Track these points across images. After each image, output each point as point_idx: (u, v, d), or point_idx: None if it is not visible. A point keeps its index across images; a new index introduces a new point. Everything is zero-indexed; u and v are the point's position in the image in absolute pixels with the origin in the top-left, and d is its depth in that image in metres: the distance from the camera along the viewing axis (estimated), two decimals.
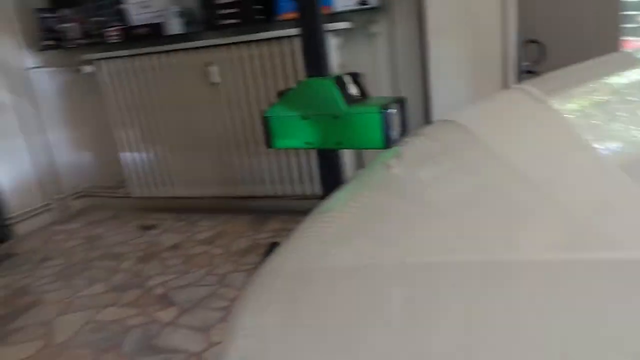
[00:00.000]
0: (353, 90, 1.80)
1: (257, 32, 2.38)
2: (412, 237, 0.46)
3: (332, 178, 1.90)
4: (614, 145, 0.51)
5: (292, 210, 2.73)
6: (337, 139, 1.71)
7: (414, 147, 0.71)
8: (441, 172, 0.59)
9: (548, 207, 0.42)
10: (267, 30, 2.38)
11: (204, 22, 2.49)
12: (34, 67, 2.95)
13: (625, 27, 2.47)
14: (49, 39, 2.81)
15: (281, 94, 1.85)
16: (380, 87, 2.35)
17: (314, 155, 2.44)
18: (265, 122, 1.82)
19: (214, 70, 2.53)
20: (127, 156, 2.92)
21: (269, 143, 1.84)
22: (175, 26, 2.44)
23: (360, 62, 2.35)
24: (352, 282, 0.44)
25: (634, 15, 2.58)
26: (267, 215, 2.74)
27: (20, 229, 2.83)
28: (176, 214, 2.95)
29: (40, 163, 2.98)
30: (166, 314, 1.81)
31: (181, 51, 2.55)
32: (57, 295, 2.06)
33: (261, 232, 2.53)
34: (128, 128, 2.84)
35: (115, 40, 2.60)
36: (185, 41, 2.53)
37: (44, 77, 3.00)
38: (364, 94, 1.87)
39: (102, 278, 2.18)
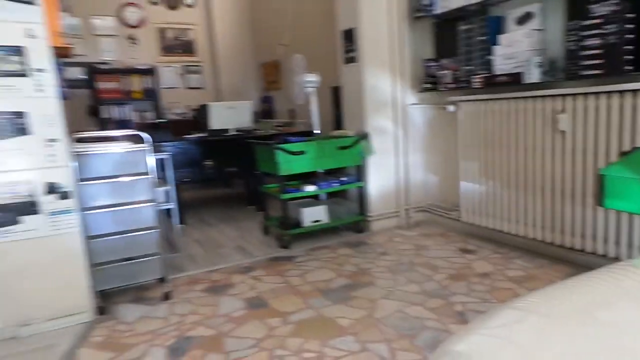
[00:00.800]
0: None
1: (620, 83, 2.28)
2: None
3: None
4: None
5: None
6: None
7: None
8: None
9: None
10: (635, 82, 2.24)
11: (563, 71, 2.56)
12: (412, 104, 3.75)
13: None
14: (428, 83, 3.52)
15: (624, 154, 1.78)
16: None
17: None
18: (600, 179, 1.80)
19: (564, 118, 2.56)
20: (465, 185, 3.31)
21: (599, 201, 1.81)
22: (533, 75, 2.63)
23: None
24: None
25: None
26: (584, 271, 2.54)
27: (374, 226, 3.70)
28: (495, 245, 3.14)
29: (399, 178, 3.77)
30: (458, 328, 2.07)
31: (534, 98, 2.71)
32: (384, 282, 2.66)
33: None
34: (471, 161, 3.22)
35: (477, 86, 3.02)
36: (539, 89, 2.68)
37: (417, 112, 3.77)
38: None
39: (418, 281, 2.64)
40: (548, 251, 2.85)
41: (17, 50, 2.05)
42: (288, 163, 3.26)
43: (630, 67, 2.22)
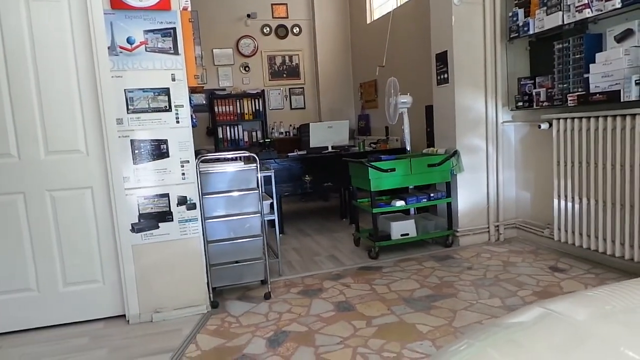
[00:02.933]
0: None
1: None
2: None
3: None
4: None
5: None
6: None
7: None
8: None
9: None
10: None
11: None
12: (505, 122, 3.78)
13: None
14: (522, 101, 3.54)
15: None
16: None
17: None
18: None
19: None
20: (558, 202, 3.27)
21: None
22: (631, 93, 2.58)
23: None
24: None
25: None
26: None
27: (462, 241, 3.78)
28: (589, 265, 3.06)
29: (490, 194, 3.81)
30: None
31: (631, 116, 2.65)
32: (467, 295, 2.77)
33: None
34: (566, 178, 3.18)
35: (572, 104, 3.00)
36: (637, 107, 2.62)
37: (510, 130, 3.79)
38: None
39: (501, 296, 2.71)
40: None
41: (164, 91, 2.62)
42: (378, 179, 3.52)
43: None
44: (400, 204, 3.66)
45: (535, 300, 2.60)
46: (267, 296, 2.95)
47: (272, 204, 3.27)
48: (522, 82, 3.53)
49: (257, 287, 3.14)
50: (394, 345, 2.22)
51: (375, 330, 2.40)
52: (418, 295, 2.83)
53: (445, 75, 3.73)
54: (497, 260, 3.36)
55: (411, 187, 3.84)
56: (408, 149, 3.95)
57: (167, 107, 2.64)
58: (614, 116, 2.75)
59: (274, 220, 3.34)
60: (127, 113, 2.58)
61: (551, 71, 3.21)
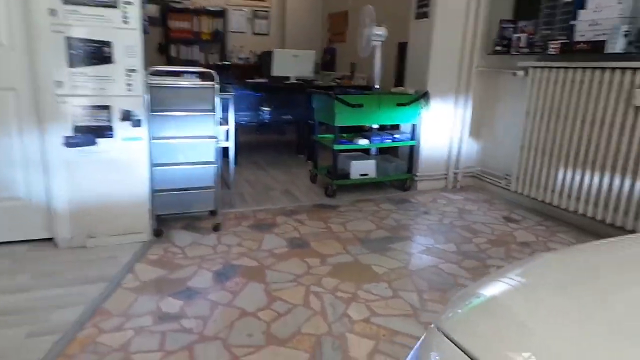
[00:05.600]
0: None
1: None
2: None
3: None
4: None
5: None
6: None
7: None
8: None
9: None
10: None
11: None
12: (480, 67, 3.62)
13: None
14: (500, 45, 3.37)
15: None
16: None
17: None
18: None
19: None
20: (521, 154, 3.24)
21: None
22: (618, 45, 2.48)
23: None
24: None
25: None
26: None
27: (420, 185, 3.73)
28: (541, 218, 3.10)
29: (453, 141, 3.73)
30: None
31: (612, 70, 2.56)
32: (423, 239, 2.73)
33: None
34: (533, 130, 3.13)
35: (553, 52, 2.88)
36: (621, 60, 2.53)
37: (483, 76, 3.64)
38: None
39: (457, 242, 2.69)
40: (595, 228, 2.79)
41: None
42: (345, 114, 3.32)
43: None
44: (364, 142, 3.51)
45: (489, 248, 2.64)
46: (217, 228, 2.77)
47: (227, 131, 3.00)
48: (503, 25, 3.36)
49: (206, 218, 2.94)
50: (348, 286, 2.14)
51: (330, 269, 2.30)
52: (374, 236, 2.75)
53: (426, 9, 3.48)
54: (453, 207, 3.34)
55: (375, 126, 3.68)
56: (377, 86, 3.74)
57: (114, 3, 2.23)
58: (594, 68, 2.66)
59: (227, 148, 3.09)
60: (63, 4, 2.16)
61: (537, 15, 3.05)
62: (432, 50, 3.47)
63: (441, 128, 3.69)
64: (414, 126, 3.60)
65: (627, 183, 2.52)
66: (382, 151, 3.92)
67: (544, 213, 3.17)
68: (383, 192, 3.67)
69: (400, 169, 3.70)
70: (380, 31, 3.63)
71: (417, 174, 3.69)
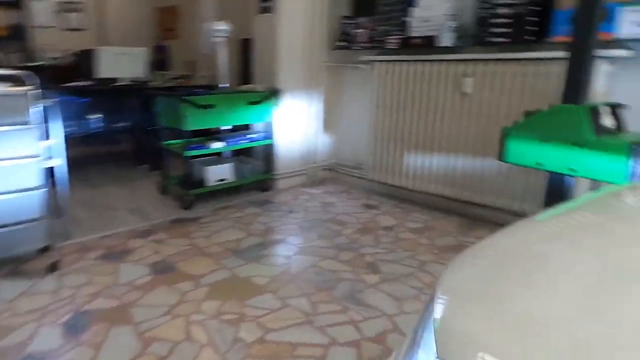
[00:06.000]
0: (607, 121, 1.77)
1: (523, 52, 2.47)
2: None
3: (557, 201, 1.90)
4: None
5: (503, 223, 2.76)
6: (572, 166, 1.73)
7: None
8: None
9: None
10: (534, 51, 2.44)
11: (474, 37, 2.70)
12: (327, 62, 3.68)
13: None
14: (343, 40, 3.47)
15: (528, 114, 1.94)
16: None
17: (538, 176, 2.43)
18: (503, 136, 1.95)
19: (468, 81, 2.73)
20: (372, 143, 3.41)
21: (501, 157, 1.97)
22: (446, 39, 2.73)
23: (631, 92, 2.19)
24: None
25: None
26: (476, 222, 2.84)
27: (280, 184, 3.66)
28: (396, 201, 3.32)
29: (307, 137, 3.74)
30: (371, 278, 2.17)
31: (443, 62, 2.84)
32: (295, 239, 2.66)
33: (468, 235, 2.66)
34: (381, 120, 3.31)
35: (392, 47, 3.06)
36: (450, 53, 2.80)
37: (330, 70, 3.72)
38: (619, 126, 1.81)
39: (328, 236, 2.69)
40: (444, 205, 3.10)
41: None
42: (196, 117, 3.03)
43: (533, 38, 2.42)
44: (218, 145, 3.27)
45: (359, 237, 2.71)
46: (54, 267, 2.25)
47: (51, 147, 2.45)
48: (344, 22, 3.47)
49: (37, 258, 2.37)
50: (232, 305, 1.94)
51: (207, 291, 2.06)
52: (246, 244, 2.58)
53: (269, 4, 3.39)
54: (316, 201, 3.36)
55: (226, 128, 3.47)
56: (223, 85, 3.53)
57: None
58: (428, 61, 2.92)
59: (54, 167, 2.53)
60: None
61: (374, 12, 3.22)
62: (279, 46, 3.41)
63: (295, 124, 3.67)
64: (268, 124, 3.50)
65: (464, 161, 2.85)
66: (235, 153, 3.73)
67: (398, 196, 3.40)
68: (243, 195, 3.50)
69: (259, 170, 3.57)
70: (223, 26, 3.42)
71: (276, 172, 3.62)
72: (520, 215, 2.62)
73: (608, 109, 1.82)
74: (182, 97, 2.98)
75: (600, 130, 1.71)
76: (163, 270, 2.26)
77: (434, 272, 2.22)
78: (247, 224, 2.89)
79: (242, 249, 2.51)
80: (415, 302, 1.95)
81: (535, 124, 1.81)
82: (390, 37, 3.06)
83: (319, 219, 2.99)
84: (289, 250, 2.51)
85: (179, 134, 3.15)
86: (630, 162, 1.57)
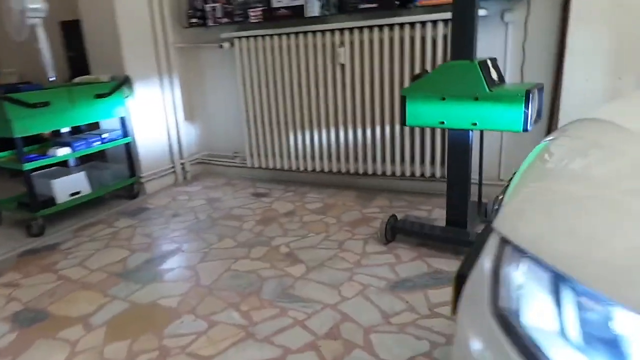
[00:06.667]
0: (494, 74, 1.86)
1: (391, 17, 2.49)
2: None
3: (460, 159, 1.98)
4: None
5: (396, 189, 2.85)
6: (473, 120, 1.78)
7: (561, 145, 0.84)
8: (591, 161, 0.72)
9: None
10: (401, 16, 2.47)
11: (341, 6, 2.62)
12: (179, 43, 3.23)
13: None
14: (195, 17, 3.06)
15: (418, 76, 1.94)
16: (506, 75, 2.37)
17: (419, 138, 2.53)
18: (403, 101, 1.92)
19: (342, 51, 2.67)
20: (248, 128, 3.15)
21: (404, 121, 1.94)
22: (314, 9, 2.60)
23: (489, 49, 2.38)
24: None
25: None
26: (373, 192, 2.87)
27: (149, 187, 3.17)
28: (285, 185, 3.16)
29: (170, 129, 3.29)
30: (296, 270, 1.99)
31: (315, 32, 2.71)
32: (195, 245, 2.31)
33: (370, 207, 2.66)
34: (254, 102, 3.06)
35: (255, 20, 2.80)
36: (320, 23, 2.68)
37: (185, 51, 3.28)
38: (501, 78, 1.93)
39: (230, 235, 2.41)
40: (335, 181, 3.06)
41: None
42: (25, 120, 2.37)
43: (398, 2, 2.45)
44: (64, 152, 2.64)
45: (263, 229, 2.48)
46: None
47: None
48: None
49: None
50: (146, 341, 1.57)
51: (106, 332, 1.63)
52: (133, 264, 2.14)
53: None
54: (199, 200, 3.00)
55: (67, 130, 2.84)
56: (52, 78, 2.84)
57: None
58: (298, 33, 2.78)
59: None
60: None
61: None
62: (120, 27, 2.87)
63: (154, 117, 3.19)
64: (123, 120, 2.96)
65: (350, 134, 2.82)
66: (86, 159, 3.10)
67: (286, 180, 3.24)
68: (108, 207, 2.93)
69: (121, 175, 3.02)
70: (37, 4, 2.72)
71: (142, 175, 3.11)
72: (420, 179, 2.72)
73: (490, 63, 1.93)
74: (3, 94, 2.30)
75: (492, 83, 1.80)
76: (32, 321, 1.72)
77: (354, 249, 2.14)
78: (125, 240, 2.42)
79: (131, 270, 2.08)
80: (352, 285, 1.85)
81: (431, 84, 1.83)
82: (252, 10, 2.82)
83: (210, 217, 2.67)
84: (191, 259, 2.17)
85: (6, 143, 2.46)
86: (524, 109, 1.69)
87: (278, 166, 3.14)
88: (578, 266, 0.52)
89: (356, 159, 2.87)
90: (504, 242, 0.64)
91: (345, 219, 2.51)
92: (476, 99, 1.76)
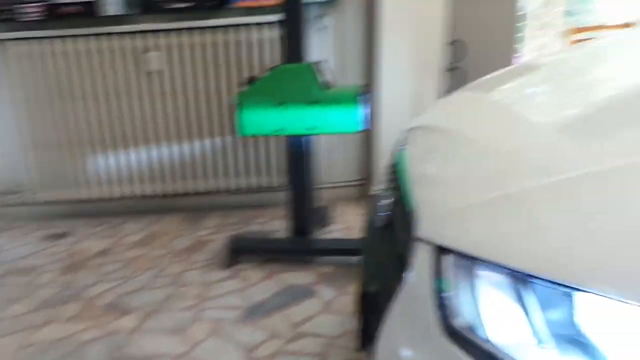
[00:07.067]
0: (325, 77, 1.85)
1: (206, 19, 2.28)
2: None
3: (301, 166, 1.91)
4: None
5: (227, 206, 2.64)
6: (310, 124, 1.73)
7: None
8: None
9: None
10: (217, 18, 2.29)
11: (145, 5, 2.27)
12: None
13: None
14: None
15: (250, 81, 1.80)
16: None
17: (261, 148, 2.43)
18: (236, 109, 1.75)
19: (154, 57, 2.33)
20: (30, 155, 2.50)
21: (238, 130, 1.78)
22: (112, 6, 2.19)
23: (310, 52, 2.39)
24: None
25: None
26: (201, 213, 2.59)
27: None
28: (90, 219, 2.61)
29: None
30: (126, 322, 1.62)
31: (115, 35, 2.30)
32: None
33: (201, 228, 2.39)
34: (37, 122, 2.45)
35: (33, 19, 2.22)
36: (121, 24, 2.29)
37: None
38: (331, 80, 1.93)
39: (23, 295, 1.84)
40: (153, 205, 2.65)
41: None
42: None
43: (213, 3, 2.26)
44: None
45: (73, 280, 1.95)
46: None
47: None
48: None
49: None
50: None
51: None
52: None
53: None
54: None
55: None
56: None
57: None
58: (87, 35, 2.32)
59: None
60: None
61: None
62: None
63: None
64: None
65: (170, 149, 2.50)
66: None
67: (90, 212, 2.65)
68: None
69: None
70: None
71: None
72: (253, 191, 2.56)
73: (319, 67, 1.93)
74: None
75: (324, 85, 1.79)
76: None
77: (194, 281, 1.87)
78: None
79: None
80: (201, 324, 1.58)
81: (265, 90, 1.71)
82: (27, 7, 2.24)
83: None
84: None
85: None
86: (360, 110, 1.72)
87: (79, 196, 2.58)
88: (536, 260, 0.49)
89: (179, 177, 2.56)
90: (442, 251, 0.56)
91: (175, 247, 2.19)
92: (312, 102, 1.71)
